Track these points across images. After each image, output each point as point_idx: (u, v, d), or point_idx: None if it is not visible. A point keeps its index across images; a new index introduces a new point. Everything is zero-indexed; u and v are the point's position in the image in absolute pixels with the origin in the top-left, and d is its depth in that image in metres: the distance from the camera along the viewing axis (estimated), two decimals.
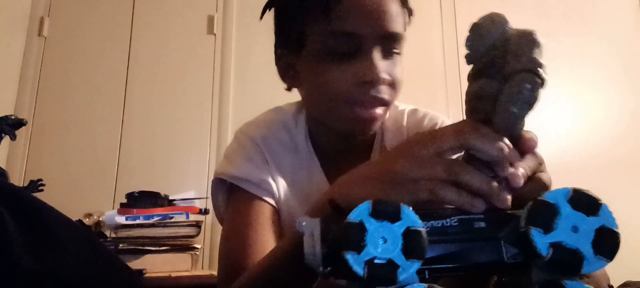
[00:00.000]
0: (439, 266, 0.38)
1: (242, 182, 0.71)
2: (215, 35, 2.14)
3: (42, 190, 0.92)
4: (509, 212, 0.39)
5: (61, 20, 2.15)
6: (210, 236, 1.85)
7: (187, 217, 1.39)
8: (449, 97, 2.09)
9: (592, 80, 2.11)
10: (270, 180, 0.72)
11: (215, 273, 1.15)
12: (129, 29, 2.14)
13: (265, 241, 0.66)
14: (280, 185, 0.73)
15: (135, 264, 1.28)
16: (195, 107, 2.07)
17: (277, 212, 0.73)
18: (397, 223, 0.35)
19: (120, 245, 1.34)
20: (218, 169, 0.75)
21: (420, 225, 0.35)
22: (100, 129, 2.03)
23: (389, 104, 0.67)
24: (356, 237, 0.34)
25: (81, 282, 0.29)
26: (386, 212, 0.35)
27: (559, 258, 0.35)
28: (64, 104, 2.06)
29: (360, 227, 0.35)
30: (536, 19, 2.15)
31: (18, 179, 1.90)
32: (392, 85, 0.66)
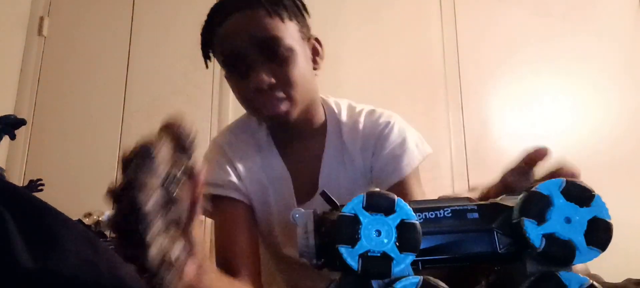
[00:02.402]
0: (433, 257, 0.38)
1: (211, 187, 0.83)
2: None
3: (41, 190, 0.92)
4: (503, 202, 0.39)
5: (61, 20, 2.15)
6: (210, 235, 1.85)
7: None
8: (449, 97, 2.09)
9: (592, 79, 2.11)
10: (235, 179, 0.84)
11: None
12: (129, 29, 2.14)
13: (239, 238, 0.81)
14: (247, 182, 0.86)
15: None
16: (195, 107, 2.06)
17: (248, 206, 0.86)
18: (391, 216, 0.35)
19: None
20: None
21: (415, 218, 0.35)
22: (100, 129, 2.03)
23: (291, 99, 0.77)
24: (350, 230, 0.34)
25: (82, 282, 0.29)
26: (380, 205, 0.35)
27: (552, 249, 0.35)
28: (64, 103, 2.06)
29: (355, 220, 0.34)
30: (536, 19, 2.15)
31: (18, 179, 1.90)
32: (285, 83, 0.76)
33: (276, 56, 0.75)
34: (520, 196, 0.37)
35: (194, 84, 2.09)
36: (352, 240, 0.34)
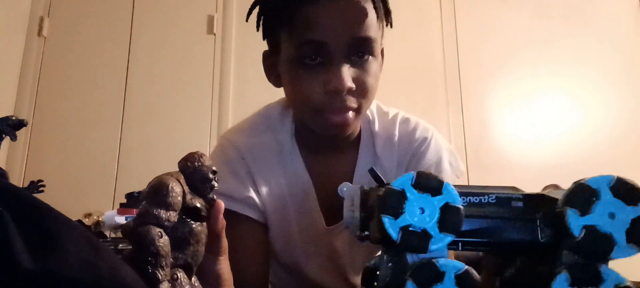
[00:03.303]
0: (473, 240, 0.39)
1: (226, 199, 0.74)
2: (215, 35, 2.14)
3: (42, 191, 0.92)
4: (548, 194, 0.40)
5: (61, 20, 2.15)
6: None
7: None
8: (449, 97, 2.09)
9: (592, 80, 2.11)
10: (254, 195, 0.75)
11: None
12: (129, 29, 2.14)
13: (250, 264, 0.74)
14: (266, 197, 0.76)
15: None
16: (195, 107, 2.07)
17: (264, 227, 0.77)
18: (437, 197, 0.36)
19: (120, 245, 1.34)
20: None
21: (460, 203, 0.36)
22: (100, 128, 2.03)
23: (359, 109, 0.68)
24: (395, 203, 0.36)
25: (82, 282, 0.29)
26: (429, 185, 0.36)
27: (590, 241, 0.35)
28: (64, 104, 2.06)
29: (401, 195, 0.36)
30: (536, 20, 2.16)
31: (18, 179, 1.90)
32: (361, 91, 0.67)
33: (363, 60, 0.66)
34: (569, 187, 0.38)
35: (194, 84, 2.09)
36: (396, 212, 0.36)
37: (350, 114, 0.67)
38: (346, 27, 0.64)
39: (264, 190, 0.76)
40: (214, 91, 2.08)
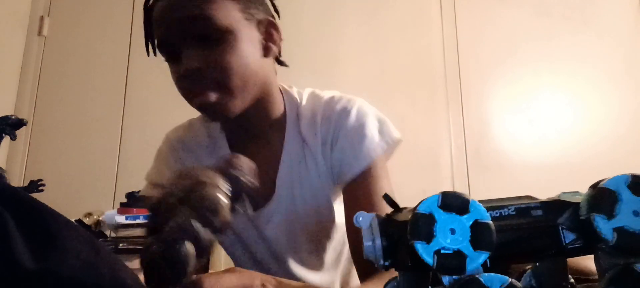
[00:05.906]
0: (501, 254, 0.38)
1: (158, 188, 0.80)
2: None
3: (42, 191, 0.92)
4: (565, 199, 0.40)
5: (61, 20, 2.15)
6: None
7: None
8: (449, 97, 2.09)
9: (593, 79, 2.11)
10: None
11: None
12: (129, 29, 2.14)
13: None
14: None
15: (135, 264, 1.28)
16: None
17: None
18: (465, 216, 0.36)
19: (120, 244, 1.35)
20: (147, 172, 0.88)
21: (489, 218, 0.36)
22: (100, 128, 2.03)
23: (227, 88, 0.68)
24: (426, 227, 0.35)
25: (82, 282, 0.29)
26: (455, 205, 0.36)
27: (623, 242, 0.36)
28: (64, 103, 2.06)
29: (430, 218, 0.35)
30: (536, 19, 2.15)
31: (18, 179, 1.90)
32: (218, 70, 0.67)
33: (206, 38, 0.67)
34: (587, 193, 0.38)
35: None
36: (428, 236, 0.35)
37: (214, 94, 0.68)
38: (175, 16, 0.66)
39: None
40: None
